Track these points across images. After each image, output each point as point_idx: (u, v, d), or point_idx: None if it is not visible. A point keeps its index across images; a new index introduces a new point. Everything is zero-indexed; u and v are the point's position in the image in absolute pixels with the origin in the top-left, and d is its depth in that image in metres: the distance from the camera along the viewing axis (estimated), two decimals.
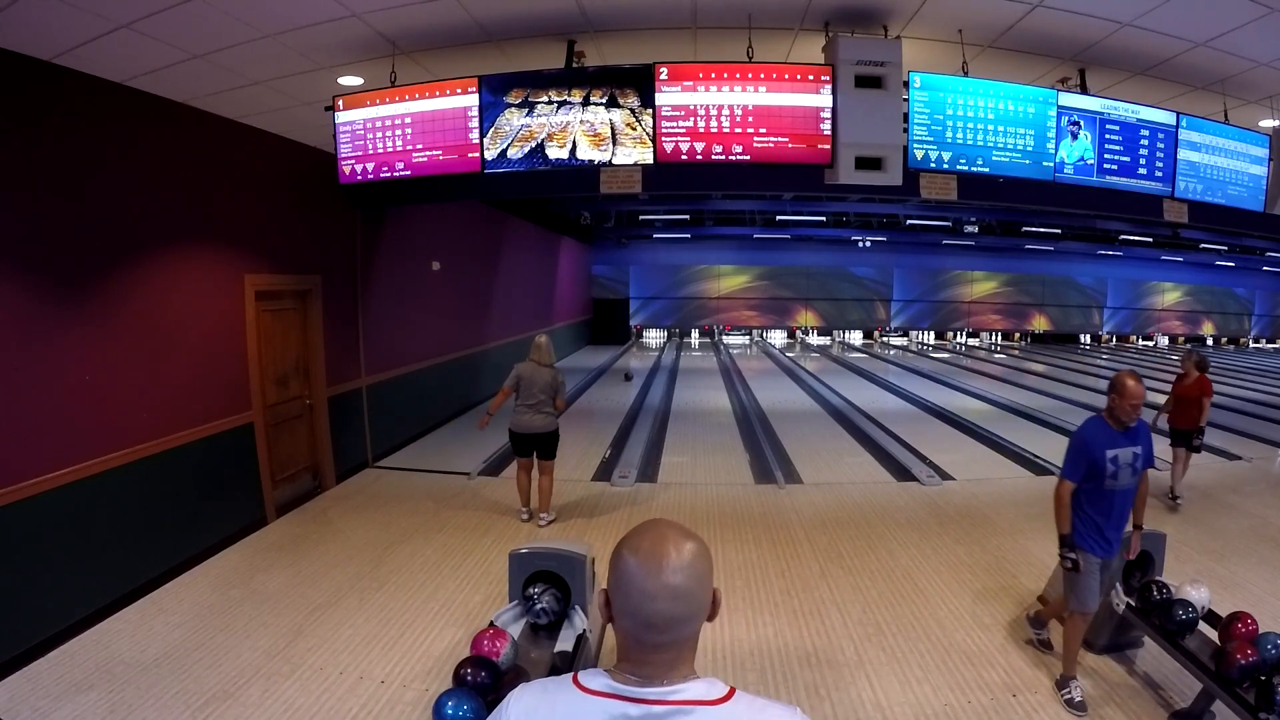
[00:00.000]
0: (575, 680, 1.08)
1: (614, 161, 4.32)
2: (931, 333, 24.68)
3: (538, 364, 5.56)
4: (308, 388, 6.45)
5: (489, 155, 4.43)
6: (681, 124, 4.24)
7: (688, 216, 18.60)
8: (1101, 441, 3.20)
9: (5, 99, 3.61)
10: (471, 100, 4.38)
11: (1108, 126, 4.66)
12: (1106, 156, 4.68)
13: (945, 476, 7.05)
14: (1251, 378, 15.87)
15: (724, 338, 23.94)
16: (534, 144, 4.36)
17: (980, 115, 4.39)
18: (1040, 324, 24.76)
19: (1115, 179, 4.73)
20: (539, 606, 3.34)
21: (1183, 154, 4.85)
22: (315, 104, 4.85)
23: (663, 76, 4.19)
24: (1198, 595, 3.35)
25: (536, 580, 3.49)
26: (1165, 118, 4.79)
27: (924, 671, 3.56)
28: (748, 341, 23.69)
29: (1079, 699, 3.21)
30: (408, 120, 4.55)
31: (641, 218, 18.58)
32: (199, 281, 5.02)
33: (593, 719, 1.03)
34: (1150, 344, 25.16)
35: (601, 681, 1.06)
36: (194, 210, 4.97)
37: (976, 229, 19.63)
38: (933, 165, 4.37)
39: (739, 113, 4.20)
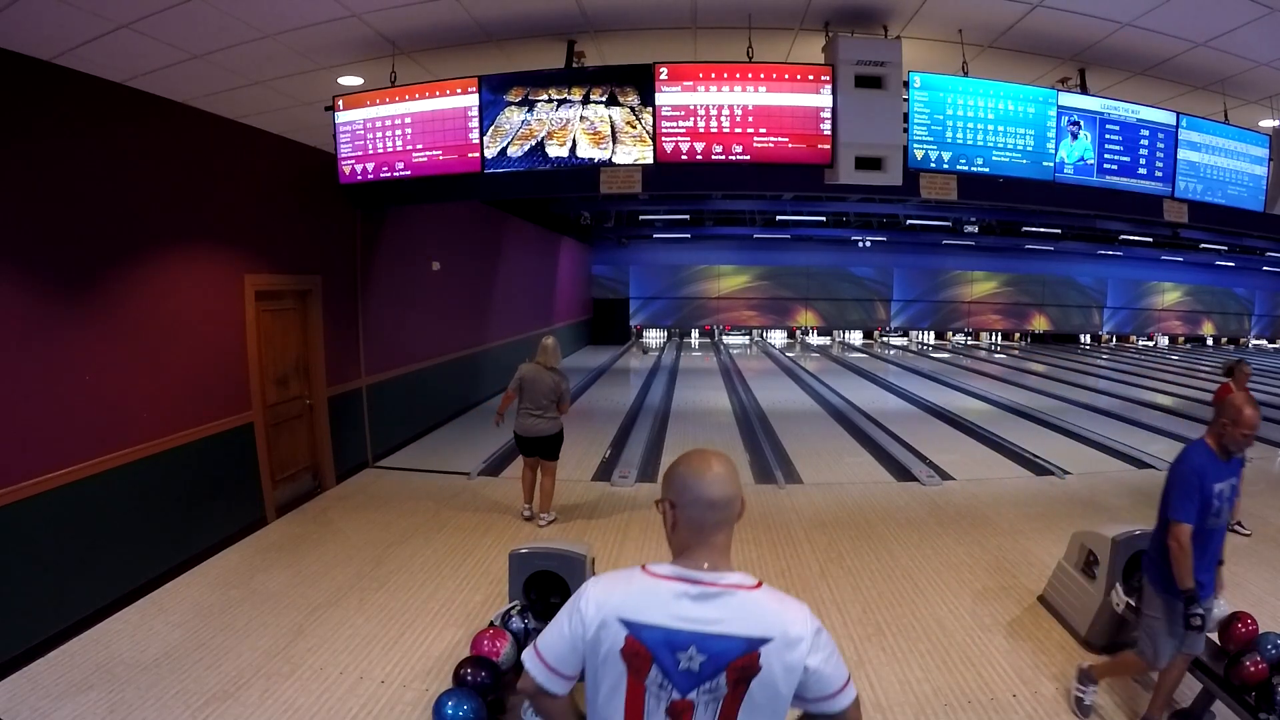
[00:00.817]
0: (644, 568, 1.39)
1: (614, 160, 4.32)
2: (931, 333, 24.68)
3: (542, 366, 5.55)
4: (308, 388, 6.45)
5: (489, 154, 4.42)
6: (681, 124, 4.24)
7: (688, 216, 18.55)
8: (1211, 474, 2.81)
9: (5, 99, 3.61)
10: (471, 100, 4.38)
11: (1108, 126, 4.66)
12: (1106, 156, 4.68)
13: (945, 476, 7.04)
14: (1252, 378, 15.85)
15: (724, 338, 23.93)
16: (534, 142, 4.36)
17: (980, 115, 4.39)
18: (1040, 324, 24.75)
19: (1115, 179, 4.73)
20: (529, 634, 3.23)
21: (1183, 154, 4.85)
22: (315, 104, 4.85)
23: (663, 76, 4.19)
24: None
25: (532, 585, 3.48)
26: (1165, 118, 4.79)
27: (924, 672, 3.56)
28: (748, 341, 23.67)
29: (1089, 702, 3.17)
30: (408, 120, 4.55)
31: (641, 218, 18.54)
32: (199, 281, 5.02)
33: (662, 593, 1.34)
34: (1150, 344, 25.15)
35: (667, 569, 1.38)
36: (194, 210, 4.97)
37: (976, 229, 19.59)
38: (933, 165, 4.37)
39: (739, 113, 4.20)
